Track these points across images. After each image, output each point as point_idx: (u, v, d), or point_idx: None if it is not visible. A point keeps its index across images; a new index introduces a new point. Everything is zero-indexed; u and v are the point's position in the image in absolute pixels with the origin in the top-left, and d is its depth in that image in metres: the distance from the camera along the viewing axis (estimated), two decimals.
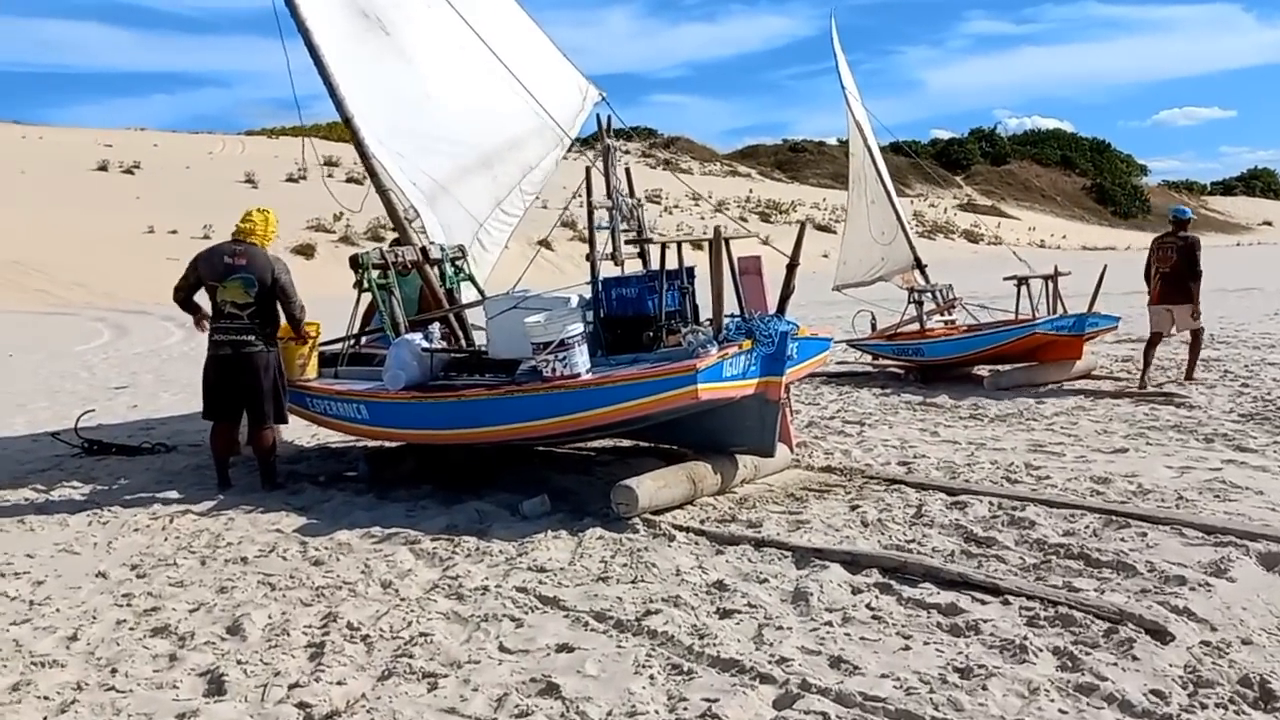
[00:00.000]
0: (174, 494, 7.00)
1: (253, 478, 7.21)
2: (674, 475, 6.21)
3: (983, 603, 4.38)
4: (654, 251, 7.18)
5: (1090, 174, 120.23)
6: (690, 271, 6.89)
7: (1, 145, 53.94)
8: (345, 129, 8.09)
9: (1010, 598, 4.39)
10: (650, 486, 5.96)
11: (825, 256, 37.37)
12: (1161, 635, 3.94)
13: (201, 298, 7.14)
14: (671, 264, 6.72)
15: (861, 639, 4.05)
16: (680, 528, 5.68)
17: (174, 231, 36.02)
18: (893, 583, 4.67)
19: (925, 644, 3.99)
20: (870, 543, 5.33)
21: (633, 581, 4.85)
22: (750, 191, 76.37)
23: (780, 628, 4.18)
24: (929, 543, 5.28)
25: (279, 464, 7.36)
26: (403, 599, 4.73)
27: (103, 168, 50.55)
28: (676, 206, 58.75)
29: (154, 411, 10.98)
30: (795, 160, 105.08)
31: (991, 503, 5.98)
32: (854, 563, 4.94)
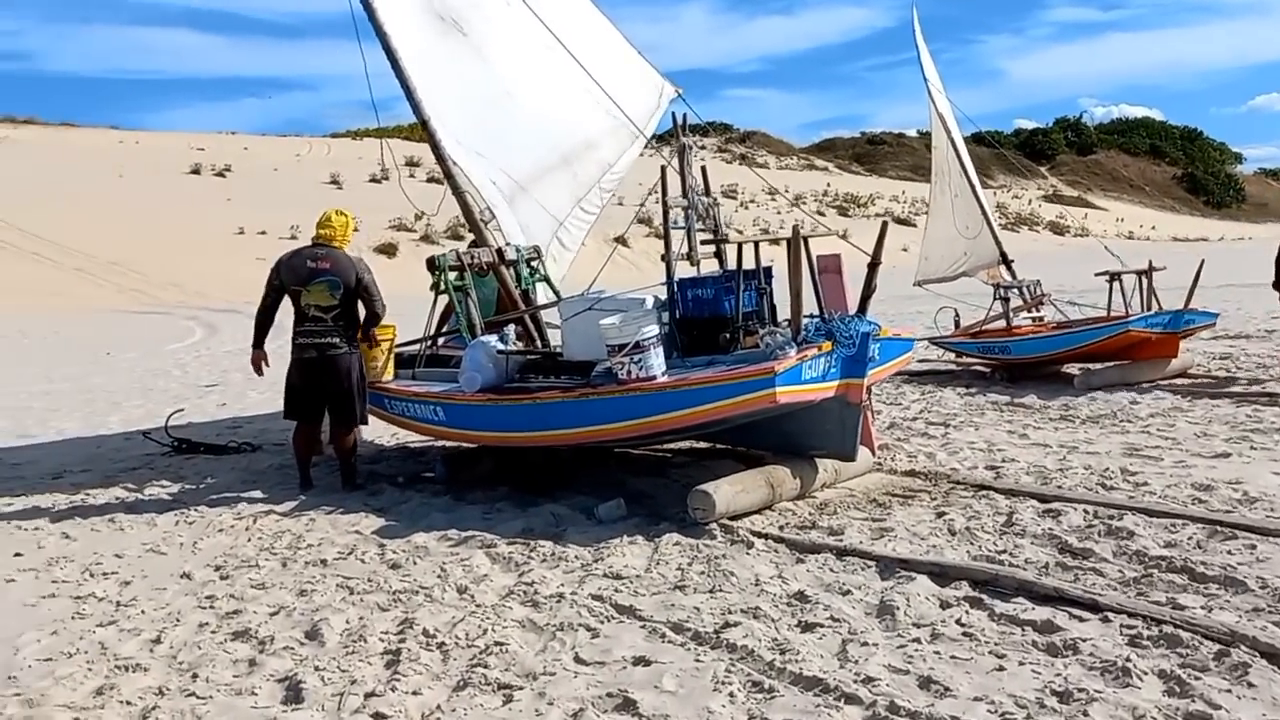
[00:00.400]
0: (258, 494, 7.10)
1: (334, 478, 7.28)
2: (752, 480, 6.07)
3: (1081, 620, 4.17)
4: (729, 251, 7.07)
5: (1181, 163, 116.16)
6: (768, 271, 6.75)
7: (100, 149, 55.99)
8: (423, 130, 8.12)
9: (1111, 615, 4.16)
10: (728, 491, 5.84)
11: (905, 250, 36.65)
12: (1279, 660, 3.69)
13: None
14: (748, 263, 6.58)
15: (952, 658, 3.88)
16: (759, 534, 5.54)
17: (263, 232, 36.93)
18: (984, 596, 4.47)
19: (1020, 664, 3.80)
20: (959, 553, 5.13)
21: (710, 591, 4.74)
22: (828, 185, 75.44)
23: (865, 644, 4.02)
24: (1021, 554, 5.06)
25: (359, 464, 7.44)
26: (478, 605, 4.69)
27: (195, 171, 52.09)
28: (753, 201, 58.37)
29: (241, 410, 11.21)
30: (874, 153, 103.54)
31: (1086, 511, 5.72)
32: (942, 574, 4.75)
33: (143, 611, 4.80)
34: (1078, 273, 22.02)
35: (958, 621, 4.22)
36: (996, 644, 4.00)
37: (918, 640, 4.05)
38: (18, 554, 5.80)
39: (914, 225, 53.99)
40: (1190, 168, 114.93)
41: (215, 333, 21.87)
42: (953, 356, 11.94)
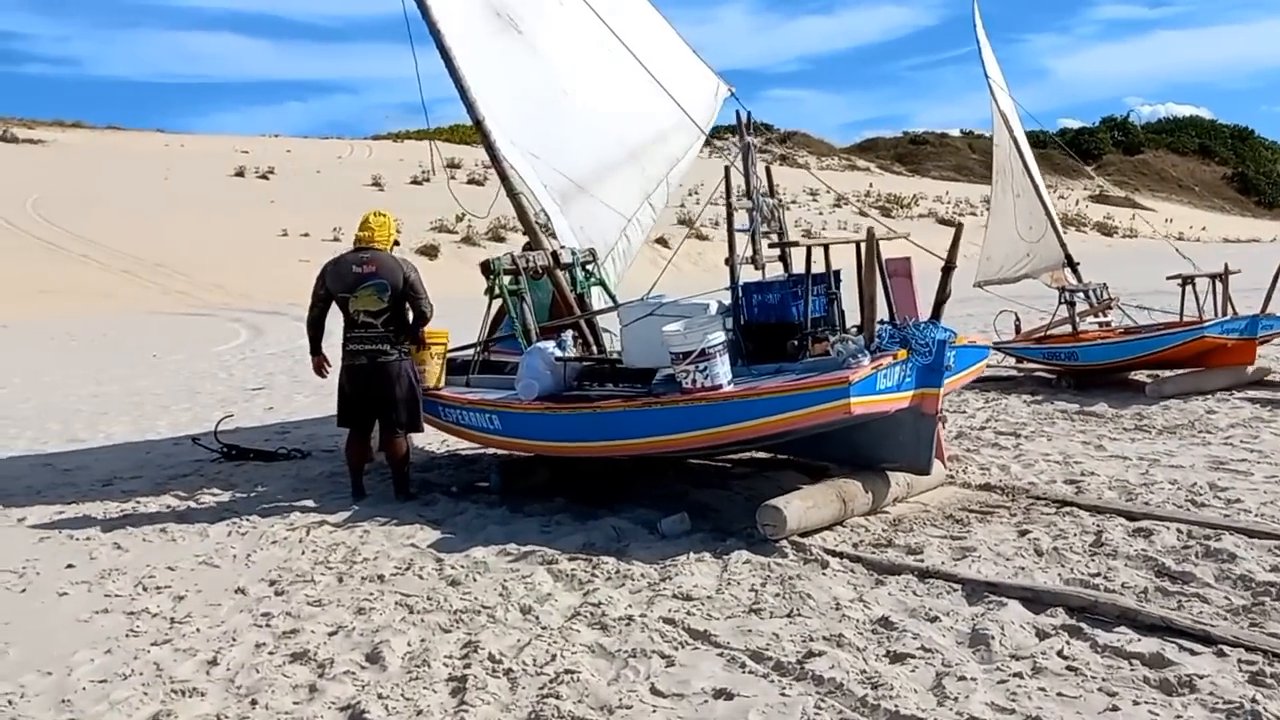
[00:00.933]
0: (310, 503, 6.94)
1: (387, 486, 7.12)
2: (823, 494, 5.81)
3: (1192, 653, 3.87)
4: (793, 254, 6.82)
5: (1231, 162, 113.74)
6: (836, 275, 6.48)
7: (147, 153, 56.71)
8: (468, 131, 7.97)
9: (1226, 648, 3.87)
10: (799, 507, 5.59)
11: None
12: None
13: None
14: (817, 267, 6.32)
15: (1059, 695, 3.60)
16: (833, 553, 5.28)
17: (306, 234, 37.12)
18: (1083, 625, 4.18)
19: (1135, 704, 3.51)
20: (1049, 575, 4.84)
21: (788, 615, 4.49)
22: (870, 185, 74.71)
23: (963, 678, 3.75)
24: (1116, 577, 4.76)
25: (412, 472, 7.28)
26: (544, 628, 4.47)
27: (239, 173, 52.55)
28: (794, 202, 57.87)
29: (289, 414, 11.11)
30: (916, 153, 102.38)
31: (1180, 530, 5.40)
32: (1035, 600, 4.47)
33: (198, 630, 4.64)
34: (1126, 273, 21.50)
35: (1059, 653, 3.94)
36: (1105, 680, 3.72)
37: (1019, 675, 3.77)
38: (70, 565, 5.68)
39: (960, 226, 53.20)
40: (1241, 167, 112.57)
41: (260, 334, 21.91)
42: (1013, 362, 11.57)
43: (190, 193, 45.40)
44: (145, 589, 5.25)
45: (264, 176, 52.76)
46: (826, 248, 6.35)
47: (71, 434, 10.45)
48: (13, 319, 25.44)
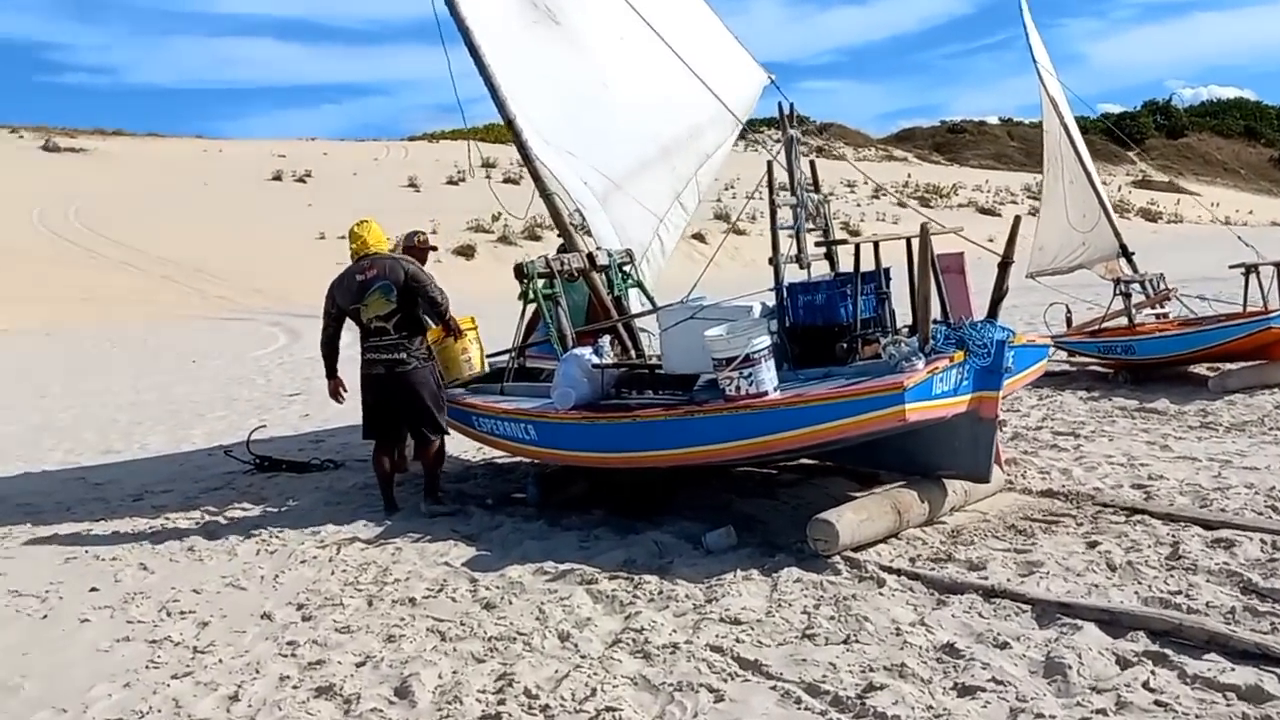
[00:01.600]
0: (341, 517, 6.72)
1: (420, 497, 6.89)
2: (877, 506, 5.49)
3: None
4: (840, 252, 6.51)
5: (1278, 144, 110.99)
6: (886, 273, 6.15)
7: (185, 159, 57.28)
8: (502, 131, 7.72)
9: None
10: (851, 520, 5.27)
11: (991, 241, 35.42)
12: None
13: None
14: (867, 265, 5.99)
15: None
16: (890, 569, 4.96)
17: (342, 236, 36.73)
18: (1168, 651, 3.84)
19: None
20: (1126, 594, 4.48)
21: (845, 642, 4.18)
22: (908, 176, 73.76)
23: (1040, 715, 3.43)
24: (1199, 595, 4.40)
25: (446, 482, 7.07)
26: (583, 656, 4.21)
27: (277, 177, 52.89)
28: (831, 194, 57.14)
29: (324, 422, 10.94)
30: (954, 142, 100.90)
31: (1264, 541, 5.02)
32: (1113, 622, 4.13)
33: (220, 660, 4.42)
34: (1177, 261, 20.83)
35: (1145, 685, 3.61)
36: (1199, 716, 3.38)
37: (1103, 711, 3.45)
38: (94, 589, 5.51)
39: (998, 215, 52.36)
40: None
41: (298, 338, 21.87)
42: (1064, 356, 11.13)
43: (229, 197, 45.76)
44: (169, 614, 5.06)
45: (301, 180, 53.05)
46: (876, 245, 6.01)
47: (107, 444, 10.36)
48: (55, 326, 25.68)
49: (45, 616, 5.14)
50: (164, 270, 34.46)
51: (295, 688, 4.09)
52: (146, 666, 4.40)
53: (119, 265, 34.74)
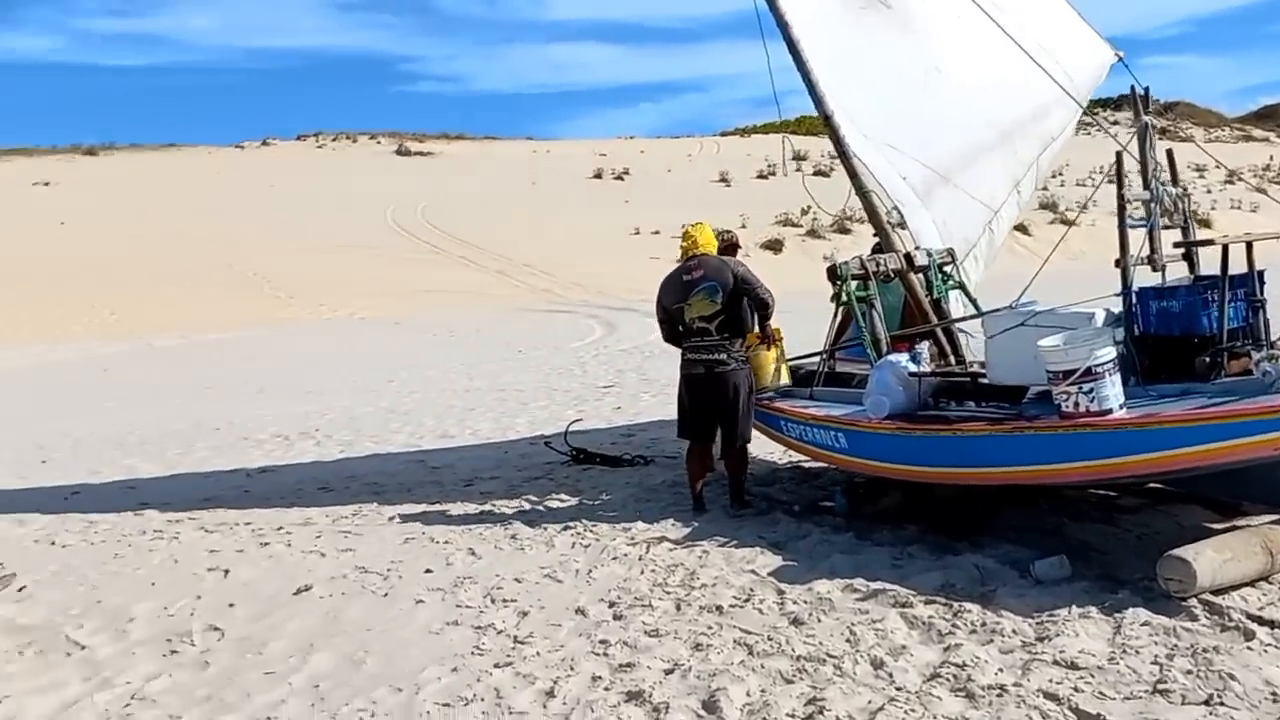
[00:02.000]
0: (651, 514, 6.82)
1: (728, 499, 6.87)
2: (1243, 544, 4.78)
3: None
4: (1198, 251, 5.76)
5: None
6: (1260, 276, 5.36)
7: (518, 160, 61.62)
8: (814, 123, 7.52)
9: None
10: (1212, 559, 4.62)
11: None
12: None
13: None
14: (1236, 267, 5.25)
15: None
16: (1260, 620, 4.30)
17: (656, 232, 38.43)
18: None
19: None
20: None
21: (1206, 702, 3.65)
22: (1270, 159, 65.51)
23: None
24: None
25: (752, 485, 7.01)
26: (899, 688, 3.96)
27: (597, 175, 55.65)
28: (1182, 183, 51.90)
29: (635, 415, 11.27)
30: None
31: None
32: None
33: (538, 653, 4.57)
34: None
35: None
36: None
37: None
38: (428, 570, 5.92)
39: None
40: None
41: (613, 330, 22.79)
42: None
43: (554, 195, 48.72)
44: (493, 601, 5.32)
45: (619, 177, 55.45)
46: (1249, 245, 5.25)
47: (443, 429, 11.23)
48: (404, 316, 28.41)
49: (386, 595, 5.57)
50: (498, 265, 37.22)
51: (607, 689, 4.15)
52: (472, 653, 4.63)
53: (459, 260, 37.94)
